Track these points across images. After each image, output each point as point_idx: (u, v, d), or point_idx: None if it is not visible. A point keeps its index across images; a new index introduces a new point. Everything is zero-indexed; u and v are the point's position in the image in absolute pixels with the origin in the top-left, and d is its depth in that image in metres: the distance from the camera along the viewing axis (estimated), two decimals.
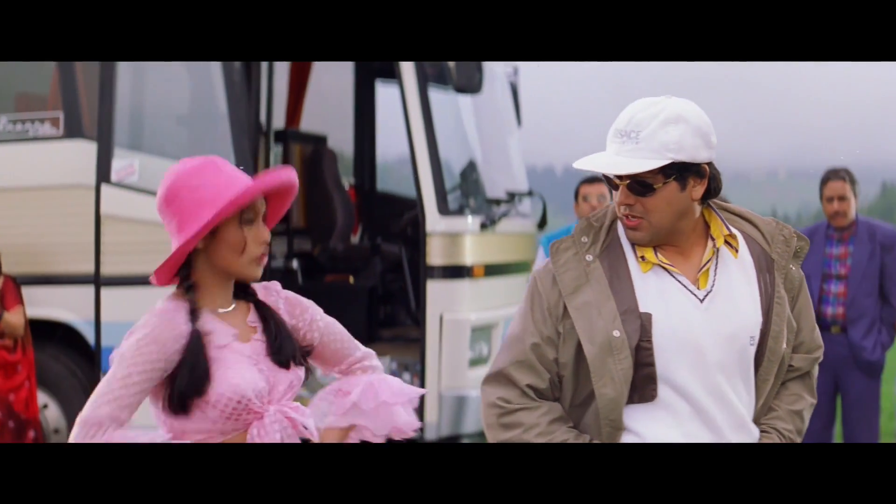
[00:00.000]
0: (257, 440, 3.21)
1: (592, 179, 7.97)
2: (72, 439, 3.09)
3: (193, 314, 3.20)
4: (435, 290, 8.10)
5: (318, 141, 10.35)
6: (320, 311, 3.44)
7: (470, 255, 8.21)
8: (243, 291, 3.33)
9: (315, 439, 3.34)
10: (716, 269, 3.29)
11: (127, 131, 8.60)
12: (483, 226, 8.31)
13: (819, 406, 7.77)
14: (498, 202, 8.82)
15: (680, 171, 3.18)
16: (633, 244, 3.28)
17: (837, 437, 8.58)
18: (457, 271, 8.16)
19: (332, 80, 11.05)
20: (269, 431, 3.23)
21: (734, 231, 3.32)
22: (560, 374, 3.29)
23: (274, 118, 10.36)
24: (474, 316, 8.22)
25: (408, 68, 8.18)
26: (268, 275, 8.81)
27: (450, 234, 8.12)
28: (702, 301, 3.26)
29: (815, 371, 3.45)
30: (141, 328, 3.17)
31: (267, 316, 3.31)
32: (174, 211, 3.20)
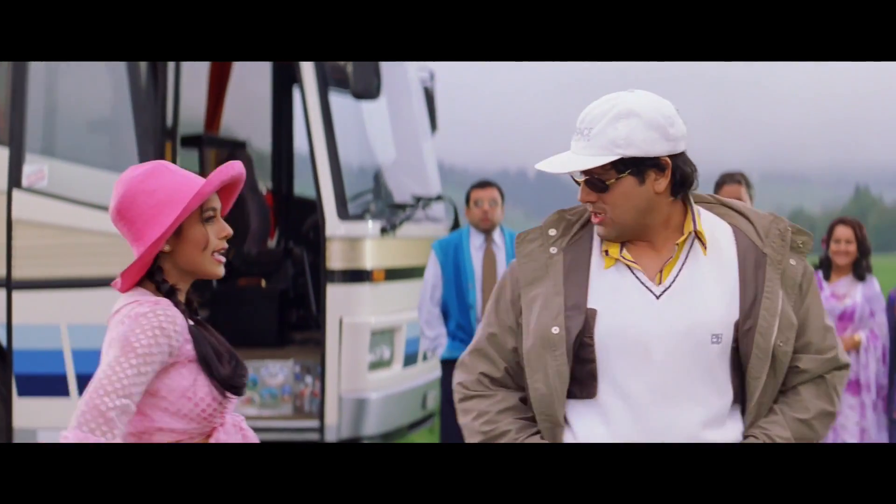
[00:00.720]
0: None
1: (484, 184, 8.07)
2: (78, 429, 3.03)
3: (185, 314, 3.25)
4: (335, 294, 8.19)
5: (236, 145, 10.41)
6: None
7: (370, 259, 8.29)
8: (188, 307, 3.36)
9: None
10: (683, 264, 3.24)
11: (39, 136, 8.67)
12: (384, 230, 8.38)
13: None
14: (403, 207, 8.88)
15: (637, 166, 3.15)
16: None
17: None
18: (357, 275, 8.24)
19: (254, 86, 11.12)
20: (230, 437, 3.30)
21: (703, 227, 3.27)
22: (521, 365, 3.26)
23: (194, 123, 10.49)
24: (374, 319, 8.30)
25: (308, 70, 8.24)
26: None
27: (349, 239, 8.20)
28: (658, 297, 3.21)
29: (836, 377, 3.30)
30: (144, 318, 3.15)
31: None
32: (132, 217, 3.22)
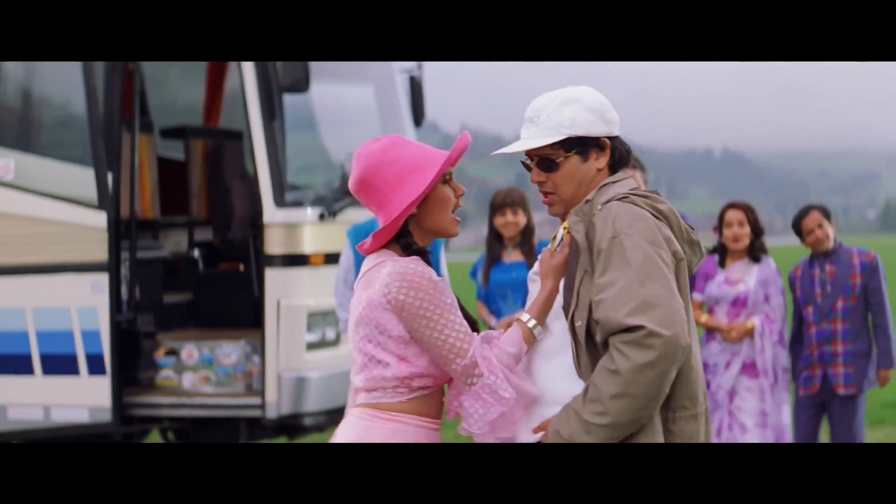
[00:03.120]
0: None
1: None
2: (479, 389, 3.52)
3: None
4: (273, 278, 8.56)
5: (229, 136, 10.78)
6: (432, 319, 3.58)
7: (308, 244, 8.65)
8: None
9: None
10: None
11: (6, 131, 9.24)
12: (322, 216, 8.72)
13: None
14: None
15: (581, 146, 3.61)
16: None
17: None
18: (293, 260, 8.60)
19: None
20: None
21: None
22: None
23: (191, 117, 10.97)
24: (312, 301, 8.65)
25: (248, 67, 8.63)
26: (162, 264, 9.38)
27: (286, 225, 8.57)
28: None
29: (618, 339, 3.43)
30: (417, 276, 3.53)
31: None
32: (378, 185, 3.62)
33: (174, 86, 11.90)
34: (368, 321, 3.57)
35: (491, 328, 7.95)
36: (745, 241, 7.77)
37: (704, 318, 7.81)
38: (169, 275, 9.91)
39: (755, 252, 7.78)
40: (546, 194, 3.67)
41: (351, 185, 3.65)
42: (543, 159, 3.63)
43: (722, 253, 7.88)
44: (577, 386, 3.51)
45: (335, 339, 8.91)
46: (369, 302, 3.56)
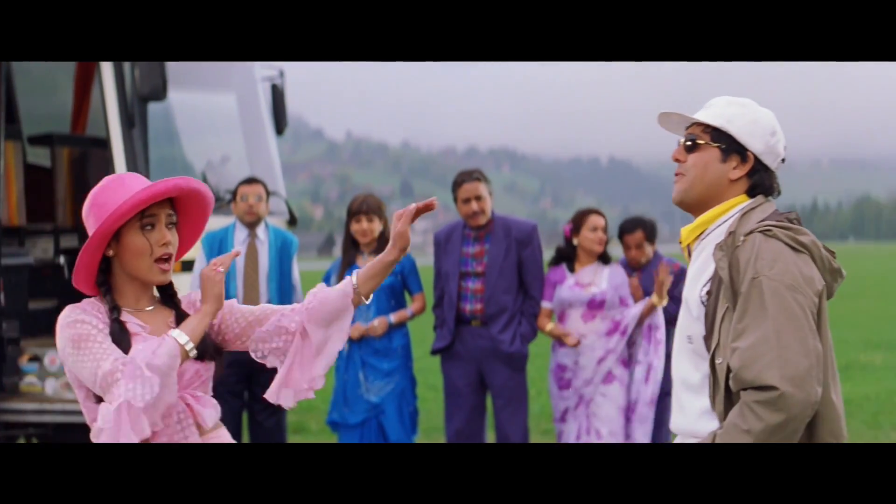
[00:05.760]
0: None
1: (251, 180, 8.49)
2: (119, 393, 3.45)
3: (112, 310, 3.68)
4: None
5: (95, 143, 10.81)
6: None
7: None
8: (170, 300, 3.80)
9: (207, 427, 3.72)
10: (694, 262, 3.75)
11: None
12: None
13: (466, 399, 8.11)
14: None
15: (727, 144, 3.66)
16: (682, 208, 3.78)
17: (490, 429, 8.80)
18: None
19: None
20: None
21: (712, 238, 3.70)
22: None
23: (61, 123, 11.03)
24: None
25: (108, 75, 8.75)
26: (27, 271, 9.44)
27: None
28: None
29: (748, 395, 3.44)
30: (66, 317, 3.66)
31: (184, 317, 3.73)
32: (90, 226, 3.63)
33: (50, 93, 11.91)
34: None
35: None
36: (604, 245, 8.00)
37: (550, 326, 7.99)
38: (35, 281, 9.96)
39: (606, 255, 8.03)
40: (678, 172, 3.76)
41: None
42: (690, 139, 3.72)
43: (571, 257, 8.07)
44: (715, 424, 3.57)
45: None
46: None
